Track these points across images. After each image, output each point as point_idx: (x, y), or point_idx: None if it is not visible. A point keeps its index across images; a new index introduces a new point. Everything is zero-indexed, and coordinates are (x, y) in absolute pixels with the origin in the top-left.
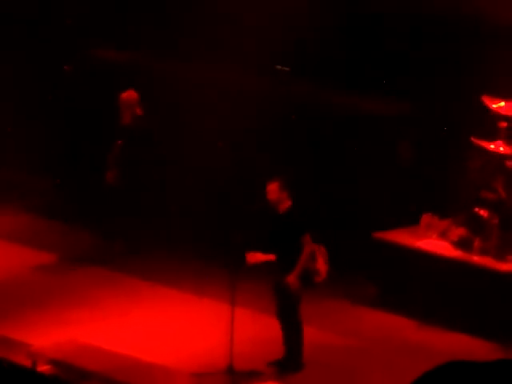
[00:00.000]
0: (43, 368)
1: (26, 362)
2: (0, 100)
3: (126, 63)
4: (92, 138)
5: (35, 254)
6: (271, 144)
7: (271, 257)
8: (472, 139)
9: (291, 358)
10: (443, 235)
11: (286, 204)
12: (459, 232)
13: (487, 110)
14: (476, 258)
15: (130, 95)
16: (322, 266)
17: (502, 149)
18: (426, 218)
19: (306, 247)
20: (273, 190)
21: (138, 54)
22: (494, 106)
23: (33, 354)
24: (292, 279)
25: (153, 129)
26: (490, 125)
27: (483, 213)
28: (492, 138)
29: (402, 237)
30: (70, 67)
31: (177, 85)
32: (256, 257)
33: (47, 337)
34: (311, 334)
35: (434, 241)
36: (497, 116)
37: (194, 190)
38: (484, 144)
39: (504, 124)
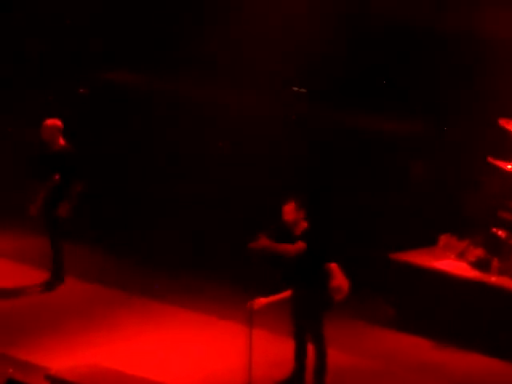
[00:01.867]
0: None
1: None
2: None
3: (141, 86)
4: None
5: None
6: (287, 165)
7: (285, 294)
8: (489, 159)
9: (316, 381)
10: (461, 256)
11: (302, 225)
12: (477, 253)
13: (504, 130)
14: (494, 279)
15: (54, 123)
16: (341, 281)
17: None
18: (443, 239)
19: (335, 279)
20: (289, 210)
21: (153, 76)
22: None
23: (51, 377)
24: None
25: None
26: (508, 145)
27: (501, 233)
28: (509, 158)
29: (419, 257)
30: (85, 90)
31: (190, 107)
32: (264, 300)
33: (64, 360)
34: (330, 356)
35: (451, 261)
36: None
37: (215, 211)
38: (501, 164)
39: None
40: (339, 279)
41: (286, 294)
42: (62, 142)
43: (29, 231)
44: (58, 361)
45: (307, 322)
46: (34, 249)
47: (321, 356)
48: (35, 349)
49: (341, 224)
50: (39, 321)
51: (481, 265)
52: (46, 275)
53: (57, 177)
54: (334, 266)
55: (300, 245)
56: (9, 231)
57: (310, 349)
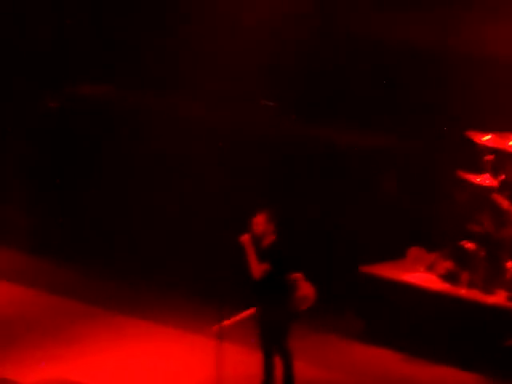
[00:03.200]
0: None
1: None
2: None
3: (112, 99)
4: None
5: (21, 290)
6: (257, 179)
7: (250, 311)
8: (458, 172)
9: None
10: (430, 268)
11: (270, 237)
12: (446, 265)
13: (473, 143)
14: (463, 291)
15: None
16: (307, 290)
17: (488, 182)
18: (413, 252)
19: (300, 289)
20: (259, 222)
21: (125, 90)
22: (480, 138)
23: None
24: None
25: None
26: (477, 158)
27: (470, 246)
28: (478, 171)
29: (389, 270)
30: (55, 104)
31: (162, 120)
32: (229, 321)
33: (35, 374)
34: (299, 369)
35: (421, 274)
36: (483, 149)
37: (182, 220)
38: (470, 177)
39: (490, 157)
40: (305, 288)
41: (252, 310)
42: None
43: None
44: (28, 375)
45: (273, 334)
46: (8, 264)
47: (288, 369)
48: (5, 363)
49: (310, 237)
50: (4, 334)
51: (450, 277)
52: (18, 291)
53: None
54: (298, 275)
55: (265, 266)
56: None
57: (279, 361)
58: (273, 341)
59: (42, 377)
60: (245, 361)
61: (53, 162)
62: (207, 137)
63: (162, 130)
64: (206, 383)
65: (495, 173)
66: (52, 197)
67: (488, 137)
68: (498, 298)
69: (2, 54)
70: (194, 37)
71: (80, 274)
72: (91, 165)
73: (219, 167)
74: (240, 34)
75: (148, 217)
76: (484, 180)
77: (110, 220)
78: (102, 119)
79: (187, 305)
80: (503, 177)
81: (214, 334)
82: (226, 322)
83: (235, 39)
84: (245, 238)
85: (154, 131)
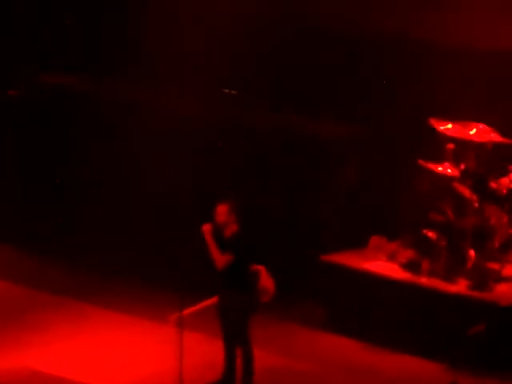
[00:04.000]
0: None
1: None
2: None
3: (73, 87)
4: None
5: None
6: (221, 168)
7: (211, 301)
8: (420, 161)
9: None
10: (392, 257)
11: (232, 227)
12: (408, 254)
13: (435, 131)
14: (424, 280)
15: None
16: (266, 283)
17: (449, 171)
18: (374, 240)
19: (260, 281)
20: (221, 212)
21: (84, 77)
22: (442, 127)
23: None
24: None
25: None
26: (438, 147)
27: (431, 235)
28: (439, 160)
29: (350, 259)
30: (14, 92)
31: (123, 108)
32: (189, 310)
33: None
34: (260, 358)
35: (382, 263)
36: (444, 138)
37: (143, 210)
38: (432, 166)
39: (451, 146)
40: (265, 281)
41: (213, 300)
42: None
43: None
44: None
45: (234, 324)
46: None
47: (247, 358)
48: None
49: (271, 226)
50: None
51: (411, 266)
52: None
53: None
54: (260, 267)
55: (228, 256)
56: None
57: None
58: (233, 330)
59: (4, 365)
60: (206, 349)
61: (14, 153)
62: (169, 125)
63: (123, 119)
64: (167, 371)
65: (456, 162)
66: (14, 187)
67: (449, 125)
68: (459, 287)
69: None
70: (161, 24)
71: (46, 264)
72: (52, 155)
73: (181, 156)
74: (206, 22)
75: (112, 206)
76: (445, 169)
77: (76, 210)
78: (63, 108)
79: (149, 294)
80: (464, 166)
81: (174, 322)
82: (187, 311)
83: (201, 27)
84: (206, 228)
85: (115, 119)
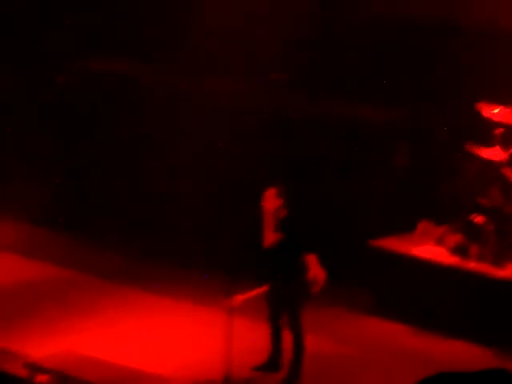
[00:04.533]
0: (41, 379)
1: (22, 374)
2: None
3: (121, 74)
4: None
5: (32, 264)
6: (268, 155)
7: (262, 289)
8: (468, 146)
9: (292, 368)
10: (440, 242)
11: (281, 213)
12: (456, 239)
13: (483, 116)
14: (472, 265)
15: None
16: (317, 274)
17: (497, 155)
18: (422, 225)
19: (311, 271)
20: (269, 197)
21: (133, 64)
22: (490, 112)
23: (30, 365)
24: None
25: None
26: (486, 131)
27: (479, 219)
28: (488, 144)
29: (398, 244)
30: (63, 78)
31: (170, 95)
32: (242, 297)
33: (43, 347)
34: (308, 343)
35: (430, 247)
36: (492, 122)
37: (190, 198)
38: (480, 151)
39: (499, 130)
40: (315, 271)
41: (264, 288)
42: None
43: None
44: (37, 348)
45: (284, 312)
46: (19, 237)
47: (298, 346)
48: (13, 336)
49: (320, 211)
50: (17, 308)
51: (459, 251)
52: (28, 264)
53: None
54: (310, 257)
55: (278, 235)
56: None
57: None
58: (284, 319)
59: (51, 350)
60: (254, 335)
61: (59, 137)
62: (217, 111)
63: (169, 105)
64: (214, 357)
65: (504, 146)
66: (62, 170)
67: (497, 110)
68: (507, 272)
69: (12, 28)
70: (202, 11)
71: (92, 247)
72: (96, 140)
73: (230, 141)
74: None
75: (158, 190)
76: (493, 154)
77: (120, 194)
78: (111, 94)
79: (195, 279)
80: None
81: (225, 308)
82: (242, 296)
83: (243, 10)
84: (267, 205)
85: (160, 106)
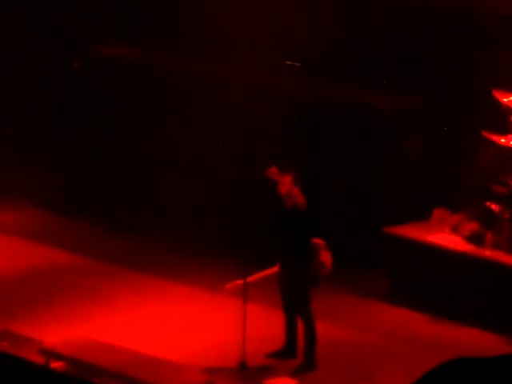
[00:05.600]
0: (56, 365)
1: (38, 359)
2: (7, 96)
3: (135, 60)
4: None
5: (45, 250)
6: (281, 140)
7: (272, 270)
8: (483, 133)
9: (306, 354)
10: (455, 230)
11: (295, 199)
12: (471, 226)
13: (498, 103)
14: (488, 252)
15: None
16: (325, 258)
17: None
18: (437, 213)
19: (320, 255)
20: (285, 182)
21: (147, 50)
22: (505, 99)
23: (45, 350)
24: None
25: None
26: (502, 118)
27: (495, 207)
28: (503, 131)
29: (413, 231)
30: (78, 64)
31: (183, 82)
32: (240, 281)
33: (58, 333)
34: (323, 330)
35: (445, 235)
36: (508, 110)
37: (205, 186)
38: (495, 138)
39: None
40: (324, 255)
41: (274, 269)
42: None
43: (31, 205)
44: (52, 334)
45: (294, 296)
46: (32, 223)
47: (309, 329)
48: (28, 322)
49: (335, 198)
50: (32, 294)
51: (475, 239)
52: (41, 250)
53: None
54: (319, 241)
55: (293, 220)
56: (5, 204)
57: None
58: (293, 301)
59: (66, 336)
60: (268, 321)
61: (74, 122)
62: (233, 97)
63: (184, 90)
64: (229, 342)
65: None
66: (76, 157)
67: None
68: None
69: (28, 15)
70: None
71: (105, 233)
72: (112, 124)
73: (245, 127)
74: None
75: (170, 176)
76: (509, 141)
77: (133, 180)
78: (125, 79)
79: (211, 266)
80: None
81: (230, 290)
82: (249, 279)
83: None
84: (283, 191)
85: (177, 91)
